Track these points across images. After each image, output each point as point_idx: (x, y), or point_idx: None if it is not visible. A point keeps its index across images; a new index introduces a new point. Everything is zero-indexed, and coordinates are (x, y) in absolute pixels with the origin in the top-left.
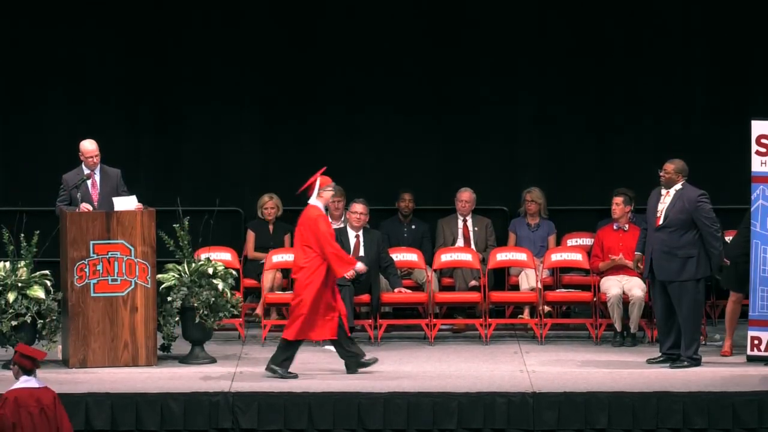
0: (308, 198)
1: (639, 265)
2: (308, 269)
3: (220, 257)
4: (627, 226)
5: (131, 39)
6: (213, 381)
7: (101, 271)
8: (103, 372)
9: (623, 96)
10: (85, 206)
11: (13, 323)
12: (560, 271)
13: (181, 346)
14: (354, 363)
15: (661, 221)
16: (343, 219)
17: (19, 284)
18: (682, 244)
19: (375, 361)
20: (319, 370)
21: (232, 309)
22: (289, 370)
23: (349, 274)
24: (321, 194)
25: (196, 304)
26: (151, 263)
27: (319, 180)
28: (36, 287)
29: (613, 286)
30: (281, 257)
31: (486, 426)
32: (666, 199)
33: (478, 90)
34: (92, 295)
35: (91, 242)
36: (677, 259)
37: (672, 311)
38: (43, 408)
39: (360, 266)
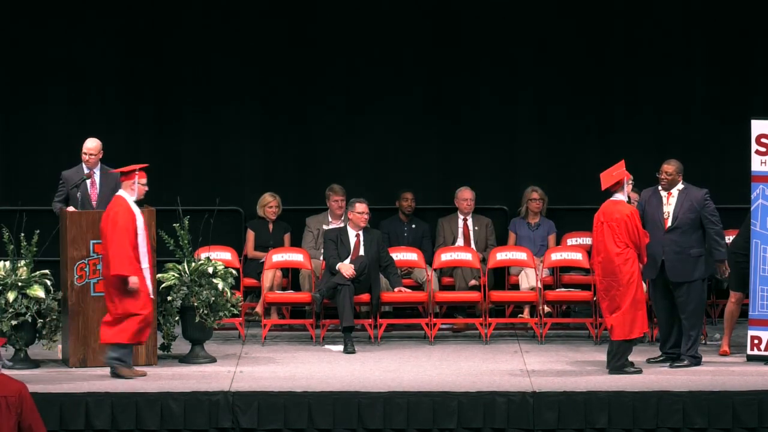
0: (610, 194)
1: None
2: (630, 264)
3: (220, 256)
4: None
5: (131, 38)
6: (213, 381)
7: (101, 271)
8: (103, 372)
9: (623, 95)
10: (71, 209)
11: (13, 323)
12: (560, 270)
13: (181, 346)
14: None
15: (670, 223)
16: (343, 218)
17: (19, 283)
18: (693, 243)
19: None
20: (319, 370)
21: (232, 308)
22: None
23: (349, 273)
24: (626, 189)
25: (196, 304)
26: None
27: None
28: (36, 286)
29: None
30: (281, 256)
31: (486, 425)
32: (671, 200)
33: (478, 89)
34: (92, 294)
35: (91, 241)
36: (691, 259)
37: (674, 311)
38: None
39: (350, 271)
